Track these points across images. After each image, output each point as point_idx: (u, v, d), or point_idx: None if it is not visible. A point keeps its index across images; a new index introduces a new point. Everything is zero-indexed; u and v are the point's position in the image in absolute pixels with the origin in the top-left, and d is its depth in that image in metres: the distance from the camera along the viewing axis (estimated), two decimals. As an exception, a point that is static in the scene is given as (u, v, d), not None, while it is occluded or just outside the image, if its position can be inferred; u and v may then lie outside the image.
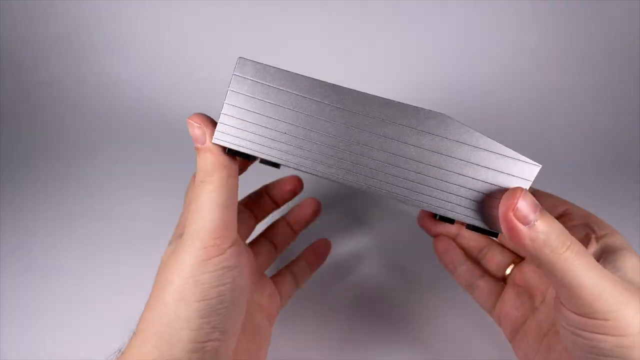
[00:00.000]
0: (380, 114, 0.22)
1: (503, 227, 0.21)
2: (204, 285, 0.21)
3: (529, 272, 0.29)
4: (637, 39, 0.64)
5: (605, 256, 0.22)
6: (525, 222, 0.20)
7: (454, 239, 0.33)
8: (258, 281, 0.30)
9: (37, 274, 0.41)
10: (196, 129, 0.21)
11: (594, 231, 0.23)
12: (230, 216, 0.22)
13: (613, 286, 0.20)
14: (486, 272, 0.32)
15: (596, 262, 0.20)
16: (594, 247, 0.23)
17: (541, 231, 0.20)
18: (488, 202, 0.22)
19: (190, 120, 0.21)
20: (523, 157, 0.21)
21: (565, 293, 0.20)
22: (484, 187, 0.22)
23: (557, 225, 0.20)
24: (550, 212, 0.26)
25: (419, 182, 0.22)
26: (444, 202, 0.22)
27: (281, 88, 0.22)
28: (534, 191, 0.28)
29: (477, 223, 0.22)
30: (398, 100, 0.22)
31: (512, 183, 0.21)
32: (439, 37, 0.68)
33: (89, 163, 0.57)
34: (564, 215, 0.25)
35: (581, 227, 0.24)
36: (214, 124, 0.22)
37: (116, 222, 0.47)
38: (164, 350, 0.20)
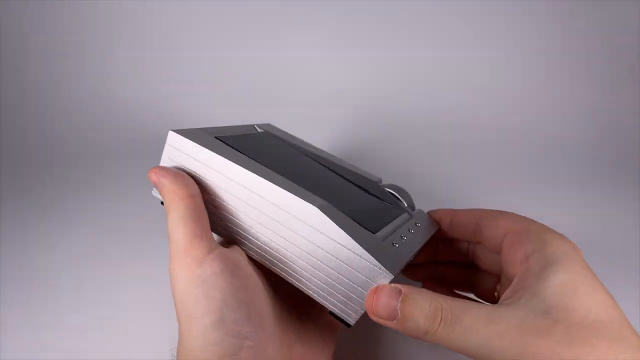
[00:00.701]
0: (270, 199, 0.24)
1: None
2: (201, 299, 0.21)
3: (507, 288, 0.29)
4: (637, 38, 0.64)
5: (527, 282, 0.22)
6: (392, 314, 0.20)
7: (433, 275, 0.33)
8: None
9: (37, 273, 0.41)
10: (152, 176, 0.25)
11: (525, 249, 0.24)
12: (197, 228, 0.23)
13: (501, 340, 0.19)
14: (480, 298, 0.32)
15: (478, 319, 0.20)
16: (518, 276, 0.23)
17: (407, 319, 0.20)
18: (347, 294, 0.23)
19: (148, 174, 0.25)
20: (378, 264, 0.21)
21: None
22: (343, 281, 0.23)
23: (424, 302, 0.20)
24: (489, 229, 0.27)
25: (291, 261, 0.24)
26: (312, 286, 0.24)
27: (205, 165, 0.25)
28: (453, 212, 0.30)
29: (335, 311, 0.23)
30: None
31: (366, 284, 0.22)
32: (438, 36, 0.68)
33: (88, 163, 0.56)
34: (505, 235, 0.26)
35: (513, 245, 0.25)
36: (161, 168, 0.25)
37: (116, 223, 0.47)
38: None
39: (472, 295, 0.33)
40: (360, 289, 0.22)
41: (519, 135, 0.62)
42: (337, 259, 0.22)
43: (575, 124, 0.63)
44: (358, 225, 0.24)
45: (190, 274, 0.21)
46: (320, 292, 0.23)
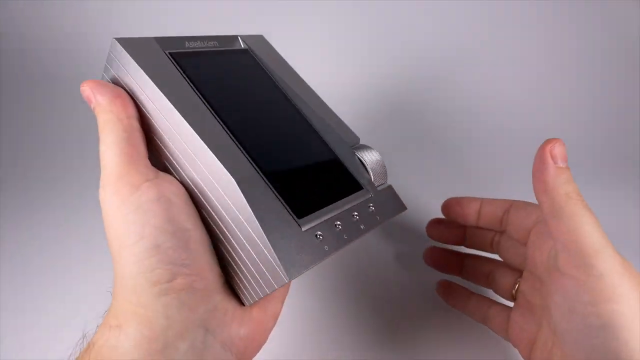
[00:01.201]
0: (192, 149, 0.22)
1: (536, 161, 0.24)
2: (135, 225, 0.20)
3: (526, 288, 0.29)
4: (637, 38, 0.64)
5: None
6: (563, 158, 0.23)
7: (461, 268, 0.34)
8: None
9: (37, 273, 0.41)
10: (85, 90, 0.23)
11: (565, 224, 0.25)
12: (135, 153, 0.22)
13: (613, 252, 0.21)
14: (496, 294, 0.32)
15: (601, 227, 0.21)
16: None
17: (565, 175, 0.23)
18: (247, 277, 0.22)
19: (81, 86, 0.23)
20: (278, 262, 0.20)
21: (567, 242, 0.21)
22: (245, 263, 0.21)
23: (575, 184, 0.23)
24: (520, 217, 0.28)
25: (209, 216, 0.22)
26: (221, 249, 0.23)
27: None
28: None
29: (232, 283, 0.22)
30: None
31: (265, 278, 0.21)
32: (438, 34, 0.68)
33: (88, 163, 0.56)
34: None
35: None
36: (98, 82, 0.23)
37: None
38: (132, 300, 0.20)
39: (491, 292, 0.33)
40: (259, 280, 0.21)
41: (520, 135, 0.62)
42: (243, 239, 0.21)
43: (578, 124, 0.63)
44: (283, 206, 0.22)
45: (123, 199, 0.20)
46: (227, 259, 0.22)
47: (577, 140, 0.61)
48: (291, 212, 0.22)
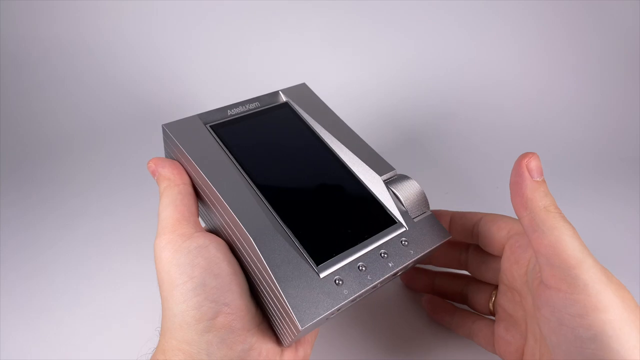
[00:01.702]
0: (223, 211, 0.25)
1: (513, 175, 0.23)
2: (185, 267, 0.23)
3: (505, 302, 0.28)
4: (637, 37, 0.64)
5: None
6: (538, 173, 0.23)
7: (432, 287, 0.35)
8: None
9: (37, 273, 0.41)
10: (150, 167, 0.27)
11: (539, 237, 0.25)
12: (186, 211, 0.25)
13: (594, 261, 0.21)
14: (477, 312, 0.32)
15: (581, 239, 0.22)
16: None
17: (542, 189, 0.23)
18: (280, 320, 0.23)
19: (147, 164, 0.28)
20: (290, 311, 0.21)
21: (548, 255, 0.21)
22: (275, 308, 0.23)
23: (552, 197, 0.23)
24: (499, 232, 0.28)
25: (248, 266, 0.25)
26: (260, 294, 0.25)
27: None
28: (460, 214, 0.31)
29: (273, 326, 0.24)
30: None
31: (288, 322, 0.22)
32: (438, 34, 0.68)
33: (89, 163, 0.56)
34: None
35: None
36: (160, 159, 0.28)
37: (117, 221, 0.47)
38: (178, 336, 0.22)
39: (467, 307, 0.33)
40: (285, 325, 0.22)
41: (520, 135, 0.62)
42: (268, 289, 0.23)
43: (578, 124, 0.63)
44: (302, 255, 0.23)
45: (177, 246, 0.23)
46: (264, 305, 0.24)
47: (577, 139, 0.61)
48: (310, 260, 0.23)
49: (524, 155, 0.23)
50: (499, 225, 0.27)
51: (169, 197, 0.25)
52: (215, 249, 0.24)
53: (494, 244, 0.28)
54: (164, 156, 0.30)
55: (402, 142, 0.60)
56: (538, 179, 0.23)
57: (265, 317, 0.25)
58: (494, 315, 0.30)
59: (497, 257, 0.28)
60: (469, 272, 0.32)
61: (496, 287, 0.30)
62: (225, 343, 0.22)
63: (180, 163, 0.28)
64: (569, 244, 0.21)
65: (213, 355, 0.21)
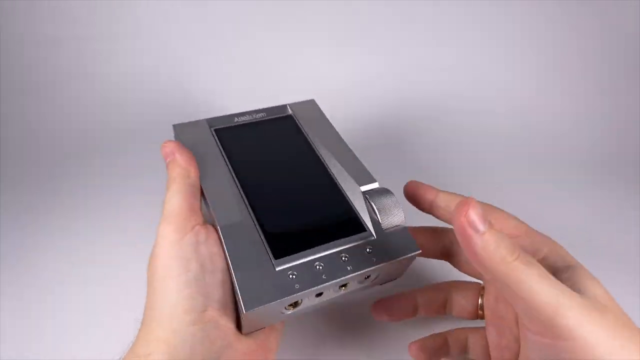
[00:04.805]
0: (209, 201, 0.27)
1: (458, 236, 0.21)
2: (183, 260, 0.23)
3: (493, 304, 0.27)
4: (637, 37, 0.64)
5: (557, 274, 0.22)
6: (476, 231, 0.20)
7: (415, 307, 0.32)
8: None
9: (38, 273, 0.41)
10: (167, 148, 0.28)
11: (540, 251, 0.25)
12: (193, 202, 0.26)
13: (570, 298, 0.19)
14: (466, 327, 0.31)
15: (549, 274, 0.20)
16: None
17: (491, 240, 0.20)
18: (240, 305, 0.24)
19: (163, 144, 0.28)
20: (238, 293, 0.23)
21: (524, 308, 0.20)
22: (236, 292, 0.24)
23: (506, 236, 0.21)
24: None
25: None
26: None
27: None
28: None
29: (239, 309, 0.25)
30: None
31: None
32: (438, 37, 0.68)
33: (89, 163, 0.57)
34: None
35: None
36: (180, 144, 0.28)
37: (117, 222, 0.47)
38: (165, 326, 0.22)
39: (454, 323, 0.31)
40: (238, 308, 0.23)
41: (521, 134, 0.62)
42: (232, 273, 0.24)
43: (577, 123, 0.63)
44: (262, 248, 0.25)
45: (179, 237, 0.24)
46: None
47: (576, 140, 0.61)
48: (270, 253, 0.25)
49: (459, 209, 0.21)
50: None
51: (180, 185, 0.26)
52: (212, 245, 0.25)
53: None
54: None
55: (385, 145, 0.60)
56: (483, 229, 0.20)
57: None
58: (481, 317, 0.29)
59: None
60: (450, 262, 0.31)
61: (482, 287, 0.30)
62: (209, 337, 0.23)
63: None
64: (540, 292, 0.19)
65: (195, 348, 0.22)
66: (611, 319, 0.19)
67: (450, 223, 0.29)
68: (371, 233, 0.27)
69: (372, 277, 0.26)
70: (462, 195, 0.28)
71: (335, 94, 0.64)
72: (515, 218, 0.27)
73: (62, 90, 0.65)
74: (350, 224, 0.27)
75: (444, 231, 0.32)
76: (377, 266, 0.25)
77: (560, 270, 0.23)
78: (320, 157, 0.31)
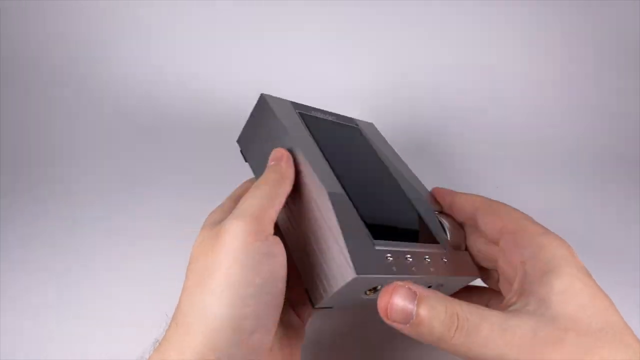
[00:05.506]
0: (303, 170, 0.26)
1: (394, 325, 0.20)
2: (249, 270, 0.21)
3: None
4: (637, 37, 0.64)
5: (529, 287, 0.21)
6: (407, 317, 0.19)
7: None
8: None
9: (40, 273, 0.41)
10: (278, 153, 0.26)
11: (521, 253, 0.23)
12: (272, 212, 0.23)
13: (518, 350, 0.18)
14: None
15: (494, 328, 0.19)
16: (517, 278, 0.22)
17: (422, 324, 0.19)
18: (319, 277, 0.23)
19: (276, 149, 0.27)
20: (347, 253, 0.22)
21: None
22: (319, 263, 0.23)
23: (440, 307, 0.19)
24: (487, 227, 0.26)
25: (297, 228, 0.26)
26: (301, 257, 0.25)
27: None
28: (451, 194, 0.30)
29: (307, 288, 0.24)
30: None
31: (332, 275, 0.22)
32: (437, 37, 0.68)
33: (90, 163, 0.57)
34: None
35: (509, 249, 0.24)
36: (290, 157, 0.27)
37: (120, 222, 0.47)
38: (207, 340, 0.20)
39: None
40: (328, 278, 0.23)
41: (521, 134, 0.62)
42: (322, 240, 0.23)
43: (577, 122, 0.63)
44: (363, 224, 0.24)
45: (250, 240, 0.21)
46: (303, 265, 0.24)
47: (577, 140, 0.61)
48: (369, 232, 0.24)
49: (382, 301, 0.19)
50: (494, 219, 0.26)
51: (270, 190, 0.24)
52: (280, 264, 0.22)
53: (490, 237, 0.27)
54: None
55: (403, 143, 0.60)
56: (411, 306, 0.19)
57: (277, 340, 0.25)
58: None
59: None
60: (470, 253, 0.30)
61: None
62: (245, 359, 0.21)
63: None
64: (490, 347, 0.18)
65: None
66: (566, 346, 0.18)
67: (467, 223, 0.29)
68: (444, 248, 0.27)
69: (434, 286, 0.26)
70: (476, 195, 0.29)
71: (342, 100, 0.64)
72: (480, 196, 0.28)
73: (65, 92, 0.65)
74: (428, 234, 0.28)
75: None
76: (452, 277, 0.26)
77: (534, 282, 0.22)
78: (392, 170, 0.33)
